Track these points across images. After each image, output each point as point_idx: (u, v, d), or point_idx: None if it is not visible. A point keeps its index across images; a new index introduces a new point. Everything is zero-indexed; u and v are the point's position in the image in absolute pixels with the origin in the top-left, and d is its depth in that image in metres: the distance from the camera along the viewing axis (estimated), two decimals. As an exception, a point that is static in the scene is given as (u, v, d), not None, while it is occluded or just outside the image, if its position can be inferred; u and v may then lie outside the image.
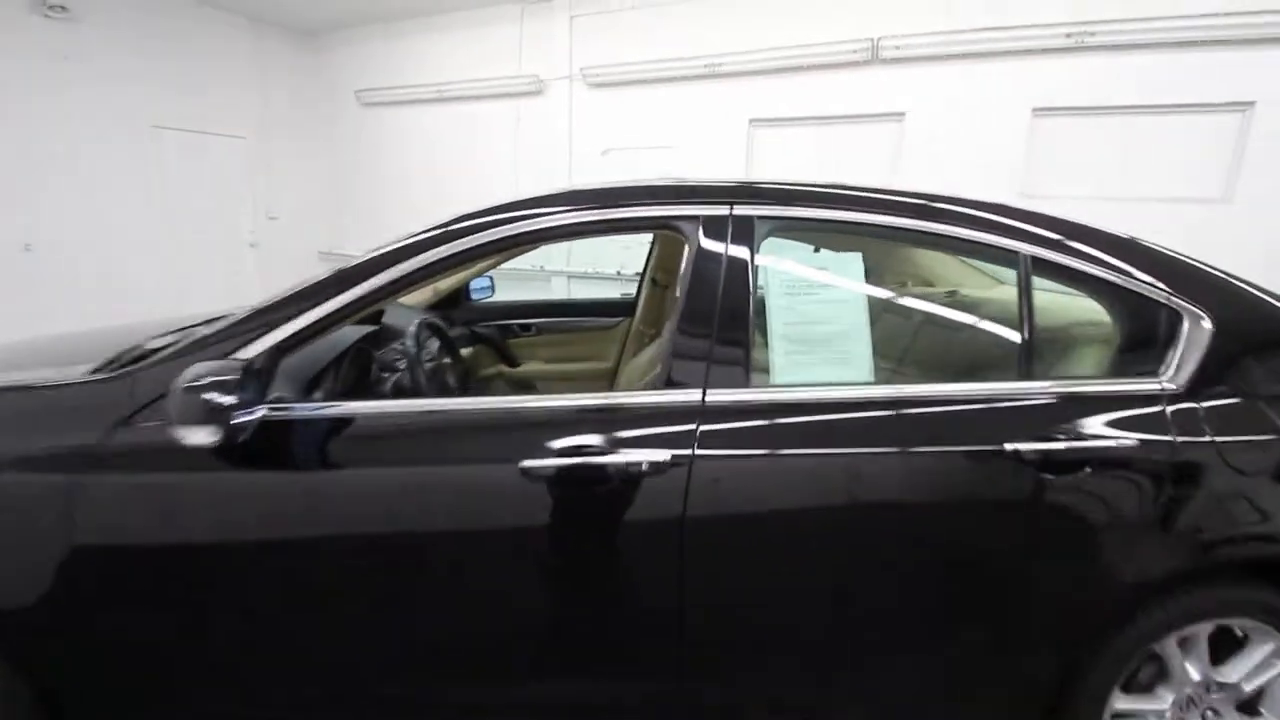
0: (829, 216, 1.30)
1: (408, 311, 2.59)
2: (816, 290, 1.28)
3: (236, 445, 1.10)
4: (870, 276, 1.34)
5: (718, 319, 1.24)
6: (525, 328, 2.90)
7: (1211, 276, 1.35)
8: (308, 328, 1.25)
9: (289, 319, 1.25)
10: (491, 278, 2.96)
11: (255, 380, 1.15)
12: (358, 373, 1.65)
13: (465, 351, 2.66)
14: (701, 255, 1.28)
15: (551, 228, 1.30)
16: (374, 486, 1.21)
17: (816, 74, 4.63)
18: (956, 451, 1.20)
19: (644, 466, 1.15)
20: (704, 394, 1.20)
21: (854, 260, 1.30)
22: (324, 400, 1.47)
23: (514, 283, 5.64)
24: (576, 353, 2.90)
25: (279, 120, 6.38)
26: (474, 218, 1.32)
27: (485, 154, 5.92)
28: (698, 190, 1.35)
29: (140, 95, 5.28)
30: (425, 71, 6.04)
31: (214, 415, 1.05)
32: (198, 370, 1.07)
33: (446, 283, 2.73)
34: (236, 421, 1.07)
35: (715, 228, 1.29)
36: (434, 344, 1.94)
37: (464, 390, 1.85)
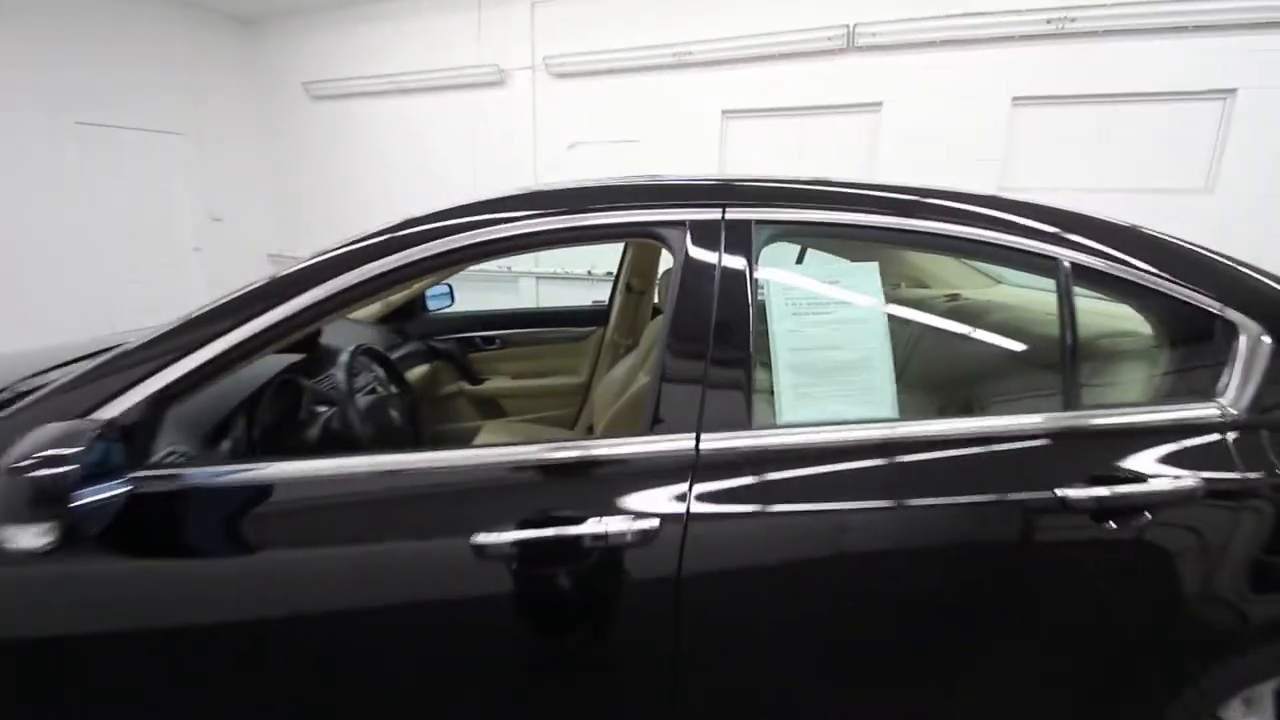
0: (840, 220, 1.09)
1: (352, 328, 2.32)
2: (828, 308, 1.07)
3: (91, 537, 0.85)
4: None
5: (711, 347, 1.02)
6: (489, 340, 2.65)
7: (1264, 285, 1.18)
8: (204, 367, 1.00)
9: (176, 358, 0.99)
10: (450, 286, 2.70)
11: (124, 443, 0.90)
12: (282, 411, 1.40)
13: (421, 370, 2.40)
14: (689, 269, 1.06)
15: (512, 238, 1.07)
16: (287, 574, 0.96)
17: (791, 63, 4.44)
18: (1002, 502, 1.00)
19: (628, 536, 0.93)
20: (698, 440, 0.99)
21: (870, 272, 1.10)
22: (233, 452, 1.23)
23: (479, 284, 5.37)
24: (545, 366, 2.66)
25: (219, 115, 5.95)
26: (424, 223, 1.08)
27: (444, 149, 5.61)
28: (683, 191, 1.13)
29: (61, 89, 4.83)
30: (378, 62, 5.68)
31: (51, 502, 0.79)
32: (34, 440, 0.81)
33: (400, 292, 2.47)
34: (85, 504, 0.81)
35: (705, 235, 1.07)
36: (375, 372, 1.69)
37: (413, 426, 1.60)
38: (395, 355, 2.28)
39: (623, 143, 4.98)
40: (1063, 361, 1.10)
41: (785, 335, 1.05)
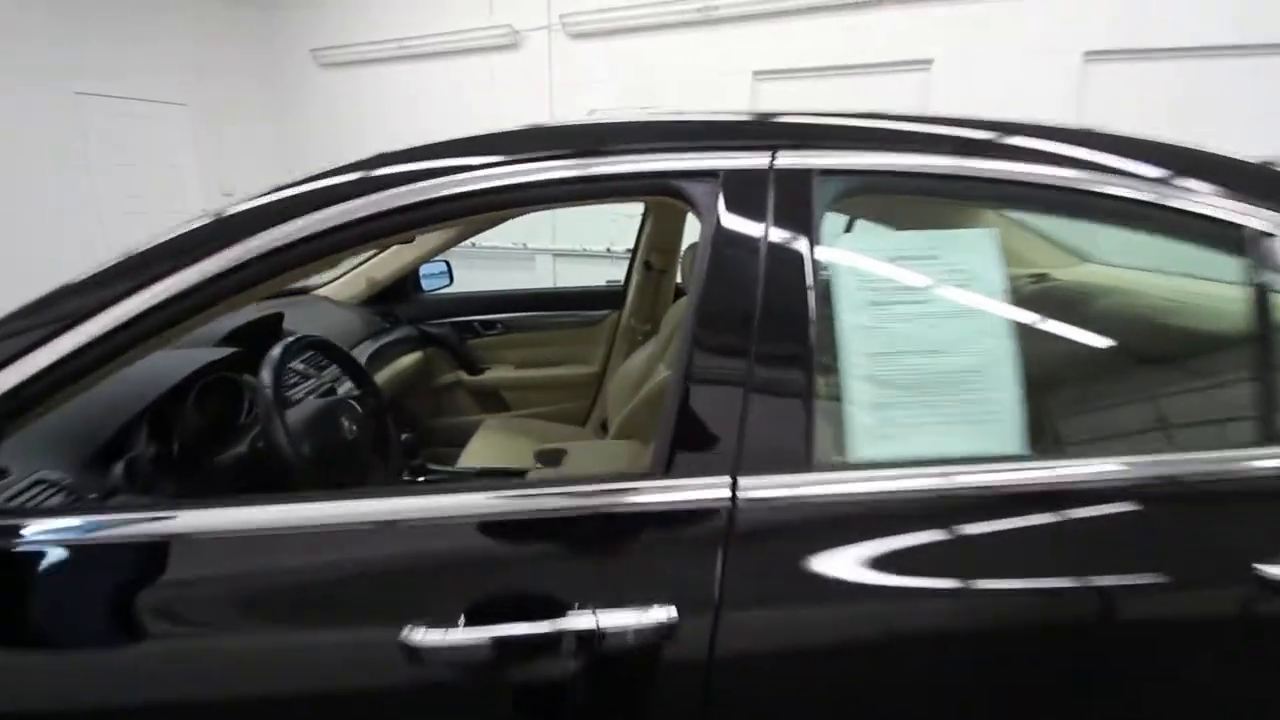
0: (946, 169, 0.76)
1: (331, 312, 2.04)
2: (923, 295, 0.75)
3: None
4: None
5: (753, 353, 0.71)
6: (489, 325, 2.36)
7: None
8: (50, 372, 0.72)
9: (12, 356, 0.72)
10: (448, 264, 2.41)
11: None
12: (210, 421, 1.12)
13: (412, 359, 2.13)
14: (723, 239, 0.74)
15: (485, 191, 0.77)
16: (169, 671, 0.68)
17: (830, 16, 4.02)
18: (1178, 583, 0.68)
19: (629, 635, 0.63)
20: (734, 486, 0.68)
21: (984, 242, 0.77)
22: (131, 478, 0.95)
23: (490, 263, 5.09)
24: (553, 355, 2.37)
25: (225, 85, 5.70)
26: (400, 161, 0.80)
27: (457, 118, 5.29)
28: (716, 129, 0.81)
29: (60, 59, 4.61)
30: (387, 26, 5.37)
31: None
32: None
33: (388, 270, 2.19)
34: None
35: (746, 190, 0.75)
36: (328, 371, 1.41)
37: (381, 440, 1.30)
38: (382, 342, 2.00)
39: (646, 110, 4.60)
40: (1259, 375, 0.77)
41: (861, 333, 0.73)
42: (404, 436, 1.54)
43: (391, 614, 0.63)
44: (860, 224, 0.99)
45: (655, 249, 2.17)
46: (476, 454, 1.85)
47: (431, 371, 2.24)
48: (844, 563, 0.66)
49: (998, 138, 0.80)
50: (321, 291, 2.12)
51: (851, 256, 0.76)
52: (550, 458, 1.59)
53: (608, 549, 0.68)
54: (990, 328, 0.74)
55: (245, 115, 5.90)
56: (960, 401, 0.72)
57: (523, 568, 0.68)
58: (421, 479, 1.53)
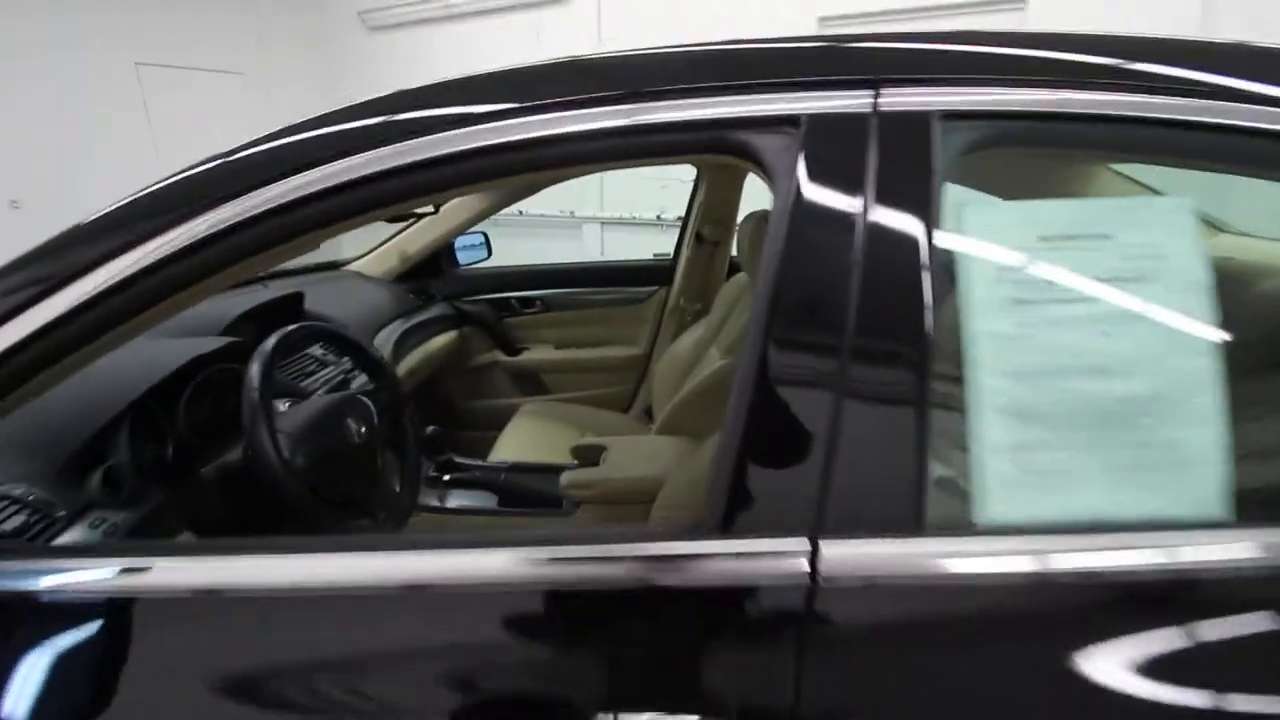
0: (1135, 107, 0.53)
1: (363, 289, 1.93)
2: (1089, 294, 0.53)
3: None
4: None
5: (845, 368, 0.52)
6: (528, 302, 2.21)
7: None
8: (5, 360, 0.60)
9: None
10: (485, 235, 2.26)
11: None
12: (213, 419, 1.01)
13: (446, 339, 2.00)
14: (804, 213, 0.55)
15: (514, 144, 0.60)
16: None
17: (909, -47, 3.61)
18: None
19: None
20: (814, 555, 0.50)
21: (1177, 216, 0.54)
22: (113, 486, 0.84)
23: (537, 233, 4.94)
24: (595, 335, 2.21)
25: (276, 51, 5.68)
26: (421, 104, 0.67)
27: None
28: (796, 59, 0.61)
29: (118, 30, 4.66)
30: (432, -17, 5.20)
31: None
32: None
33: (421, 242, 2.06)
34: None
35: (838, 144, 0.55)
36: (338, 362, 1.28)
37: (399, 443, 1.15)
38: (414, 321, 1.89)
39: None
40: None
41: (1000, 344, 0.52)
42: (429, 430, 1.41)
43: (359, 713, 0.49)
44: (979, 191, 0.77)
45: (708, 219, 1.96)
46: (511, 444, 1.72)
47: (467, 352, 2.12)
48: (973, 671, 0.47)
49: (1190, 68, 0.57)
50: (353, 266, 2.01)
51: (988, 237, 0.55)
52: (588, 454, 1.44)
53: (641, 637, 0.51)
54: (1185, 339, 0.52)
55: (297, 81, 5.87)
56: (1140, 443, 0.51)
57: (527, 659, 0.52)
58: (447, 476, 1.41)
